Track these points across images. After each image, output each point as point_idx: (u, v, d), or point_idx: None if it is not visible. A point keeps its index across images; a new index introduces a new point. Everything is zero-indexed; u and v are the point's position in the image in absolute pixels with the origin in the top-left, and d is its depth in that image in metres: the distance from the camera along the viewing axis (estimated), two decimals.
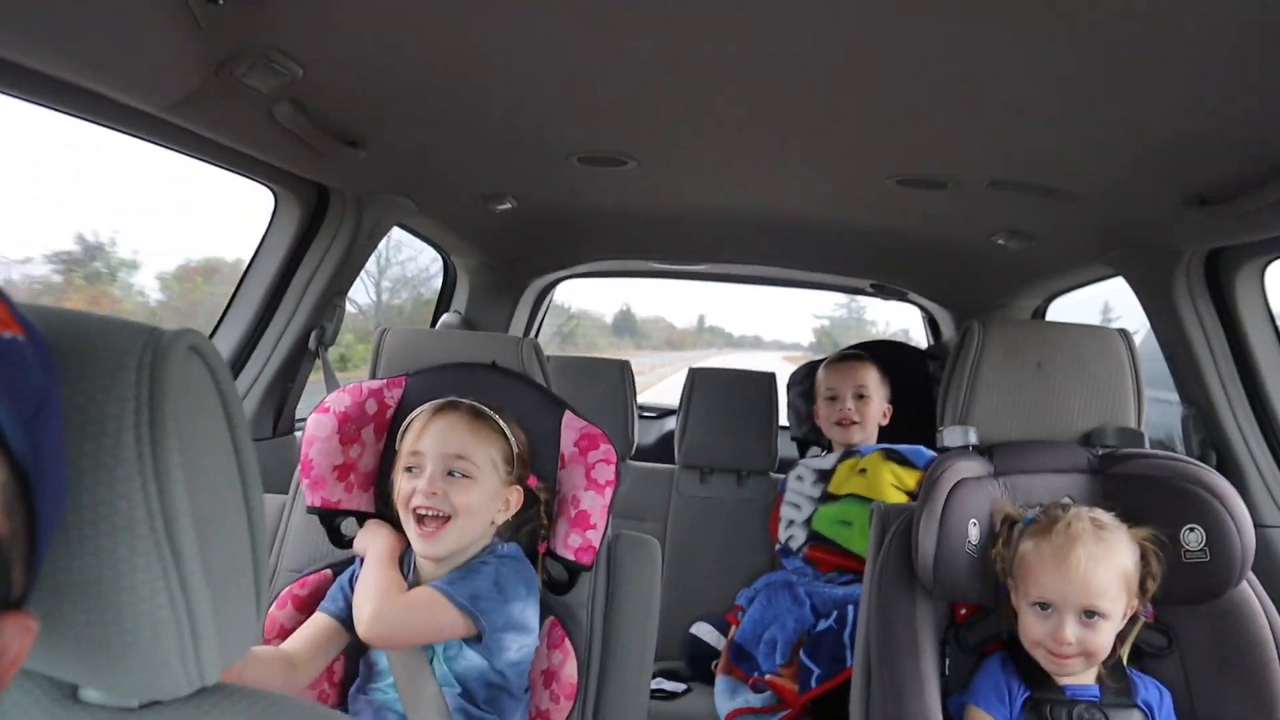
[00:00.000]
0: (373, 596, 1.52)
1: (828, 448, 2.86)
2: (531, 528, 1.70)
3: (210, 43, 1.29)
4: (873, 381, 2.72)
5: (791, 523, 2.69)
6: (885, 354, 2.85)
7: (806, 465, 2.73)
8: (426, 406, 1.63)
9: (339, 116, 1.65)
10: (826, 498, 2.63)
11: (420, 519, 1.54)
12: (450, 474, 1.55)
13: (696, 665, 2.75)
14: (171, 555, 0.63)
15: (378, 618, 1.49)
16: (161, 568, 0.63)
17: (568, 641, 1.68)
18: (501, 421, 1.63)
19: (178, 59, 1.29)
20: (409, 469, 1.57)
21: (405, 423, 1.64)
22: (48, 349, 0.57)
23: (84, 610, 0.63)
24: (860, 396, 2.69)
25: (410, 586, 1.59)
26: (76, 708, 0.70)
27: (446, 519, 1.54)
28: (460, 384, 1.77)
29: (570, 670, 1.67)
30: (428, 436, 1.57)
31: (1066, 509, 1.61)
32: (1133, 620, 1.62)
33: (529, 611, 1.59)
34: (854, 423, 2.68)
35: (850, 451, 2.67)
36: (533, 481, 1.69)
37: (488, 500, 1.58)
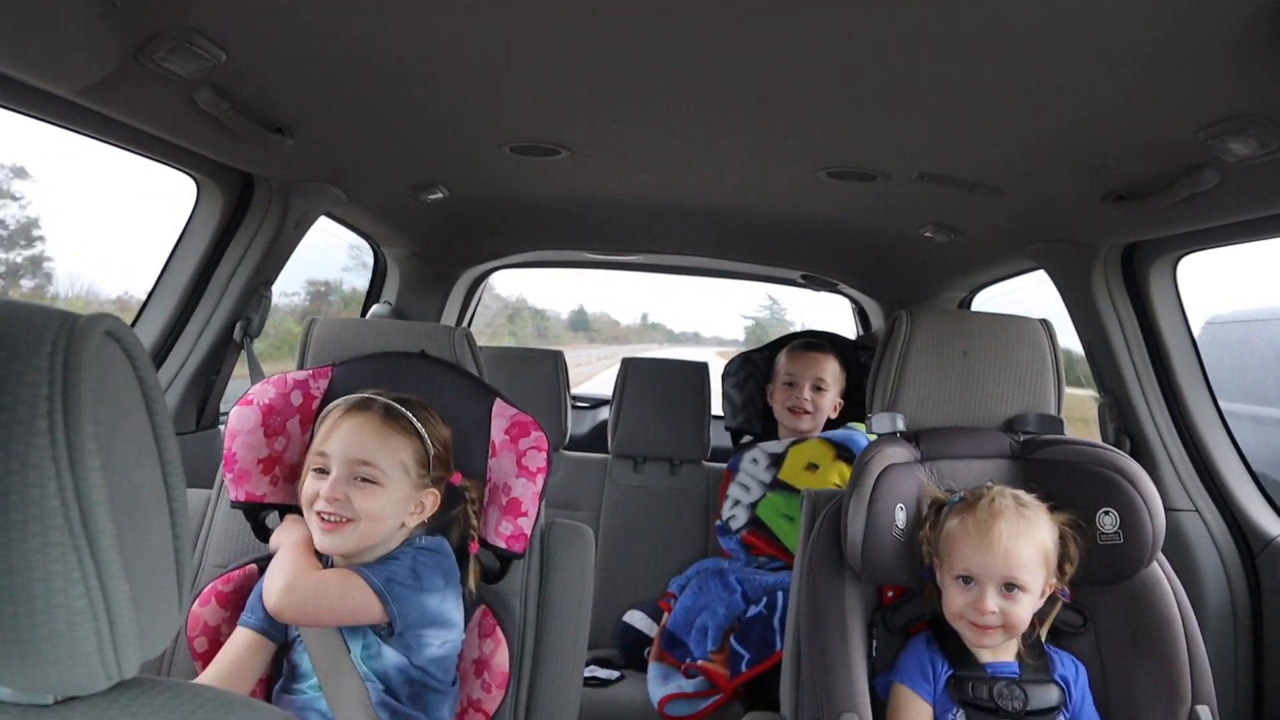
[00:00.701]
0: (285, 570, 1.50)
1: (761, 435, 2.89)
2: (460, 527, 1.68)
3: (127, 25, 1.25)
4: (832, 374, 2.75)
5: (737, 503, 2.71)
6: (834, 345, 2.89)
7: (762, 449, 2.75)
8: (341, 402, 1.60)
9: (264, 103, 1.62)
10: (776, 484, 2.66)
11: (322, 516, 1.51)
12: (356, 479, 1.52)
13: (630, 653, 2.76)
14: (88, 545, 0.61)
15: (289, 590, 1.47)
16: (77, 558, 0.61)
17: (499, 630, 1.68)
18: (417, 422, 1.59)
19: (93, 42, 1.25)
20: (316, 469, 1.54)
21: (322, 416, 1.61)
22: None
23: None
24: (818, 388, 2.72)
25: None
26: None
27: (348, 521, 1.51)
28: (388, 373, 1.75)
29: (502, 659, 1.67)
30: (335, 439, 1.54)
31: (990, 490, 1.67)
32: (1051, 600, 1.68)
33: (448, 605, 1.57)
34: (807, 412, 2.71)
35: (802, 437, 2.71)
36: (457, 478, 1.67)
37: (395, 505, 1.55)
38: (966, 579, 1.61)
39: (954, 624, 1.63)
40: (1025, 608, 1.58)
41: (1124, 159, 1.62)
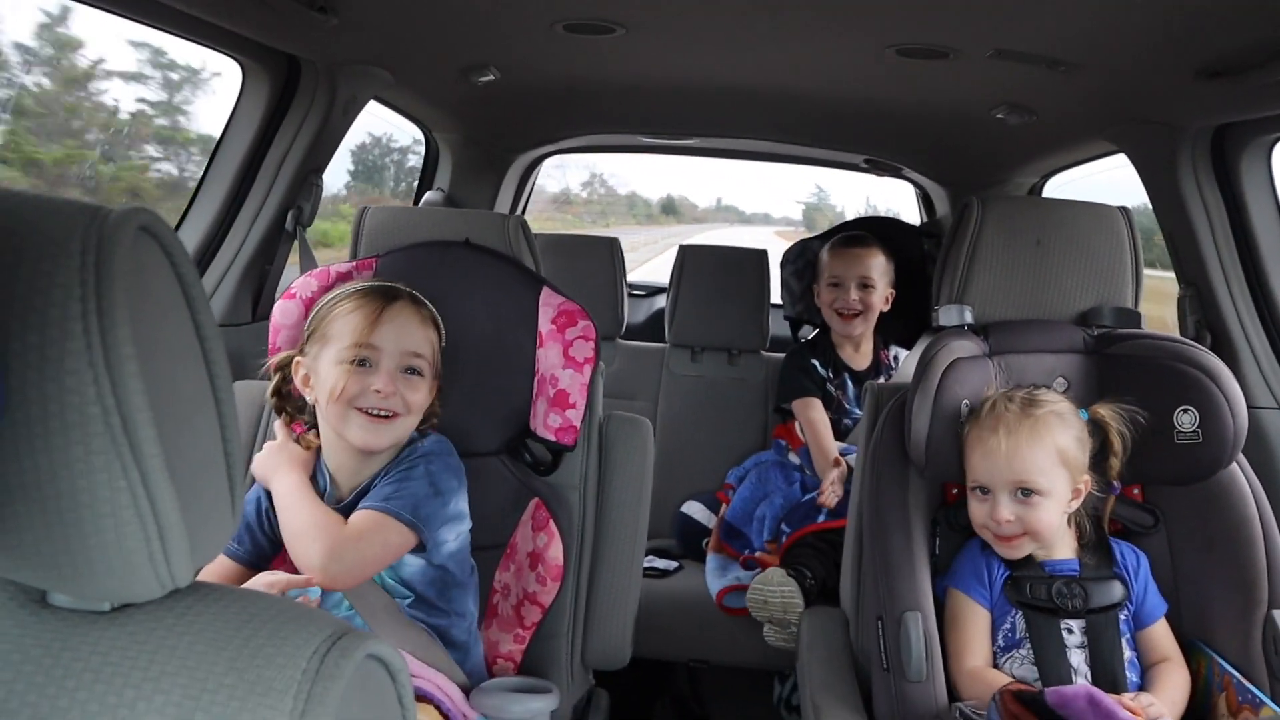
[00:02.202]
0: (317, 536, 1.39)
1: (821, 327, 2.83)
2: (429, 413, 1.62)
3: None
4: (878, 270, 2.65)
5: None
6: (885, 233, 2.79)
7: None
8: (359, 293, 1.52)
9: None
10: None
11: (366, 411, 1.46)
12: (405, 370, 1.49)
13: (687, 543, 2.77)
14: (130, 452, 0.59)
15: (333, 559, 1.37)
16: (121, 466, 0.59)
17: (553, 524, 1.68)
18: (435, 311, 1.58)
19: None
20: (358, 362, 1.46)
21: (329, 305, 1.53)
22: None
23: (41, 513, 0.60)
24: (865, 286, 2.63)
25: (331, 501, 1.51)
26: (46, 613, 0.68)
27: (395, 415, 1.48)
28: (433, 263, 1.72)
29: (556, 552, 1.67)
30: (384, 331, 1.47)
31: (993, 395, 1.62)
32: (1101, 494, 1.63)
33: (462, 502, 1.54)
34: (856, 314, 2.63)
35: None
36: None
37: (427, 396, 1.53)
38: (982, 490, 1.58)
39: (982, 535, 1.61)
40: (1046, 512, 1.54)
41: (1221, 31, 1.50)
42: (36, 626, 0.66)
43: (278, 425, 1.55)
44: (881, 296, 2.66)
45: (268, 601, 0.68)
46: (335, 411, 1.47)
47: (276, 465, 1.51)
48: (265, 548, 1.54)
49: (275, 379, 1.59)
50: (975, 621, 1.58)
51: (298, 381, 1.54)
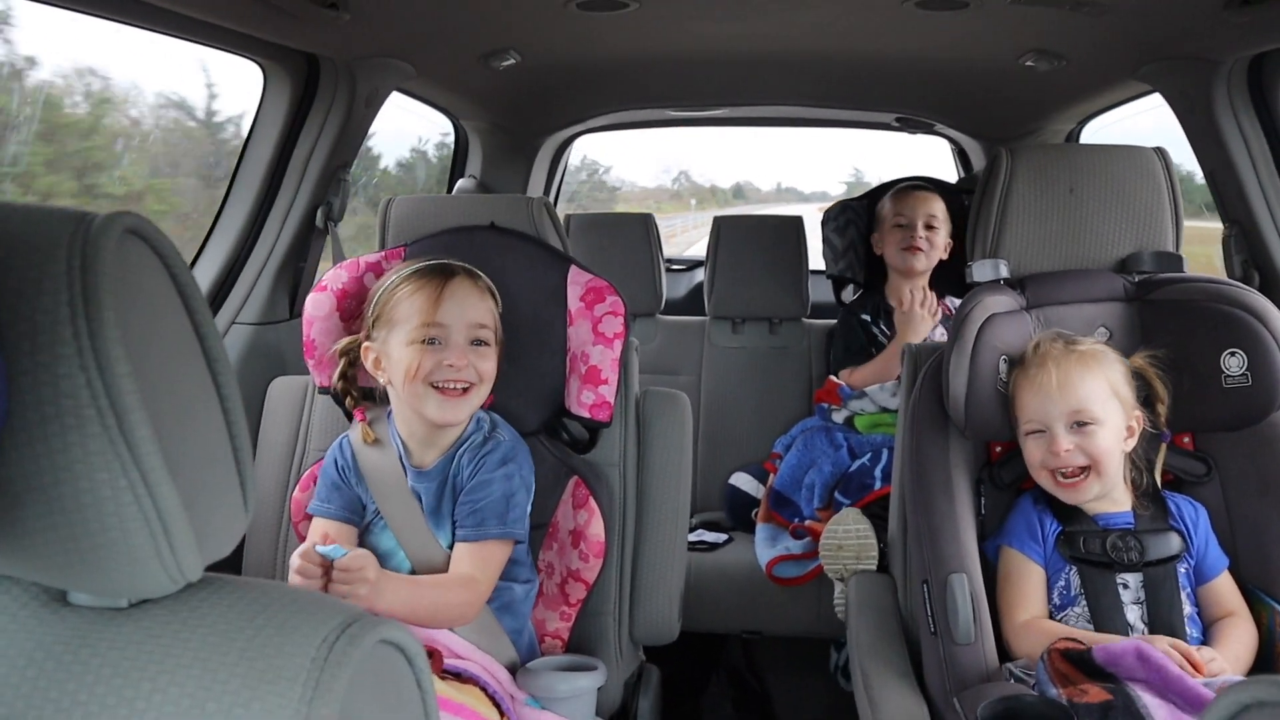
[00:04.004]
0: (442, 611, 1.46)
1: (865, 287, 2.79)
2: None
3: None
4: (940, 212, 2.64)
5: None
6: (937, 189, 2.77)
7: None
8: (416, 274, 1.56)
9: None
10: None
11: (440, 388, 1.51)
12: (474, 342, 1.53)
13: (737, 515, 2.77)
14: (129, 451, 0.60)
15: (463, 617, 1.49)
16: (120, 465, 0.60)
17: (593, 500, 1.69)
18: (489, 280, 1.61)
19: None
20: (428, 341, 1.51)
21: (388, 290, 1.56)
22: None
23: (49, 515, 0.61)
24: (930, 226, 2.62)
25: (410, 468, 1.57)
26: (66, 611, 0.69)
27: (469, 386, 1.52)
28: (460, 248, 1.73)
29: (597, 529, 1.68)
30: (447, 307, 1.52)
31: (1036, 337, 1.62)
32: (1153, 441, 1.59)
33: (534, 478, 1.62)
34: (921, 249, 2.61)
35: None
36: None
37: (495, 363, 1.57)
38: (1037, 430, 1.55)
39: (1043, 483, 1.57)
40: (1104, 440, 1.52)
41: None
42: (58, 625, 0.68)
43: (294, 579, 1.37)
44: (943, 241, 2.64)
45: (281, 592, 0.69)
46: (412, 390, 1.52)
47: (368, 596, 1.42)
48: (356, 501, 1.61)
49: (341, 362, 1.64)
50: (1029, 578, 1.55)
51: (368, 365, 1.58)
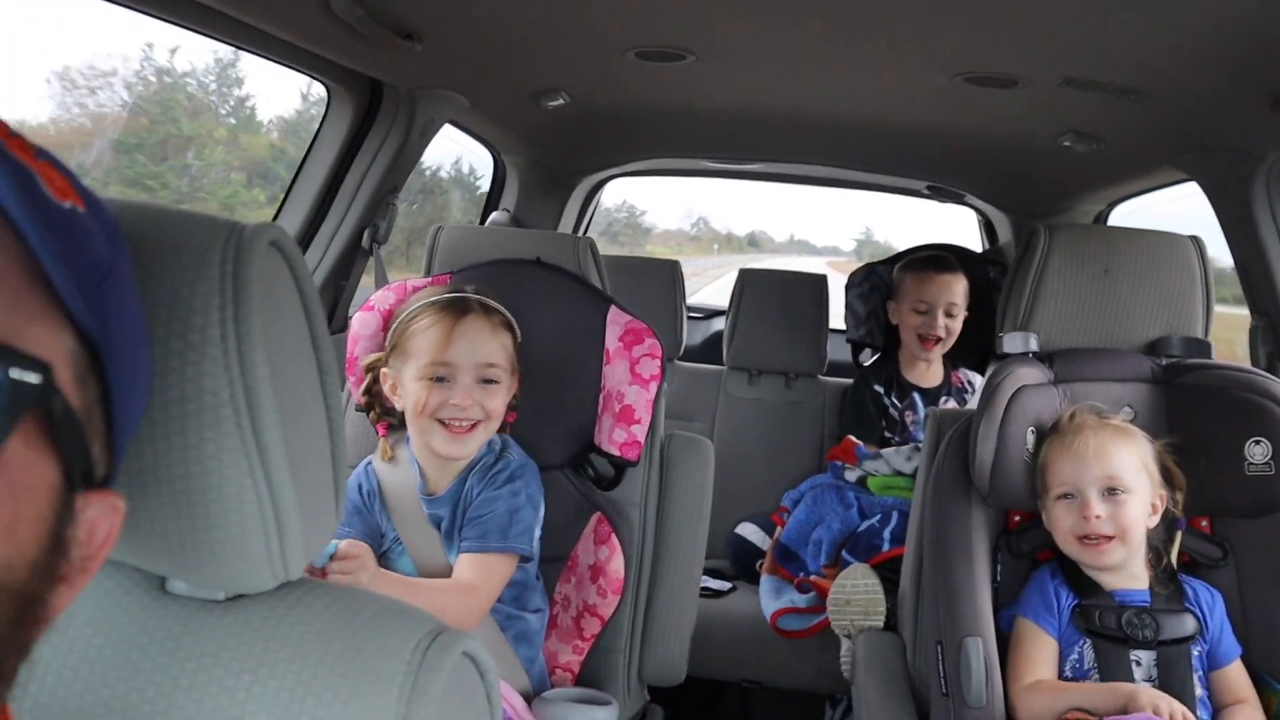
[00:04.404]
0: (463, 611, 1.48)
1: (883, 351, 2.83)
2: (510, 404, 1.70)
3: None
4: (961, 298, 2.66)
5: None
6: (960, 260, 2.80)
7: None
8: (434, 307, 1.57)
9: (396, 8, 1.61)
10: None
11: (447, 424, 1.53)
12: (481, 381, 1.54)
13: (741, 565, 2.78)
14: (257, 450, 0.63)
15: (464, 623, 1.47)
16: (248, 462, 0.63)
17: (614, 537, 1.71)
18: (508, 313, 1.62)
19: None
20: (437, 379, 1.53)
21: (406, 320, 1.59)
22: (112, 222, 0.56)
23: (171, 502, 0.64)
24: (949, 315, 2.64)
25: (423, 493, 1.60)
26: (165, 598, 0.72)
27: (476, 423, 1.54)
28: (505, 280, 1.77)
29: (617, 566, 1.70)
30: (457, 346, 1.53)
31: (1072, 408, 1.65)
32: (1172, 526, 1.62)
33: (543, 501, 1.63)
34: (940, 340, 2.64)
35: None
36: None
37: (506, 399, 1.59)
38: (1068, 495, 1.58)
39: (1068, 549, 1.60)
40: (1134, 510, 1.55)
41: None
42: (158, 611, 0.71)
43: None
44: (960, 323, 2.67)
45: (371, 598, 0.72)
46: (420, 424, 1.55)
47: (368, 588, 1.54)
48: (377, 526, 1.64)
49: (367, 378, 1.66)
50: (1041, 647, 1.57)
51: (386, 390, 1.61)
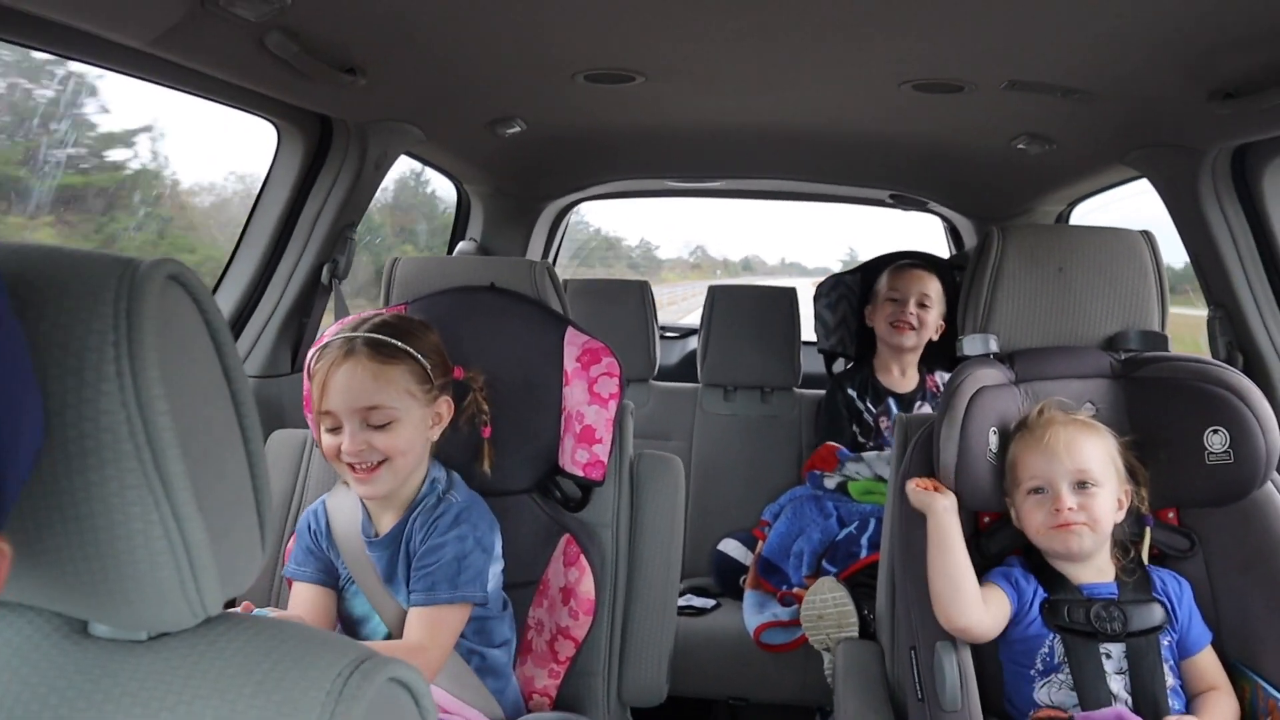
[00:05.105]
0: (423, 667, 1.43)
1: (855, 360, 2.84)
2: (469, 414, 1.67)
3: None
4: (935, 292, 2.71)
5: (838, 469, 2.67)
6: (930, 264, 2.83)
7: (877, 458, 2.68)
8: (326, 349, 1.51)
9: (334, 43, 1.62)
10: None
11: (353, 466, 1.49)
12: (369, 424, 1.48)
13: (725, 581, 2.78)
14: (162, 486, 0.63)
15: (427, 674, 1.44)
16: (153, 499, 0.63)
17: (584, 559, 1.70)
18: (402, 343, 1.52)
19: None
20: (328, 429, 1.49)
21: (308, 364, 1.55)
22: None
23: (80, 543, 0.63)
24: (922, 305, 2.68)
25: (368, 536, 1.57)
26: (87, 642, 0.71)
27: (380, 463, 1.49)
28: (460, 308, 1.77)
29: (588, 587, 1.70)
30: (332, 394, 1.47)
31: (1040, 403, 1.66)
32: (1139, 522, 1.63)
33: (499, 545, 1.60)
34: (911, 327, 2.66)
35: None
36: (459, 373, 1.65)
37: (416, 431, 1.53)
38: (1038, 489, 1.58)
39: (1039, 541, 1.60)
40: (1103, 503, 1.56)
41: (1233, 53, 1.51)
42: (79, 655, 0.70)
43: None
44: (935, 319, 2.70)
45: (295, 629, 0.71)
46: (335, 466, 1.54)
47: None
48: (330, 566, 1.61)
49: None
50: (994, 602, 1.57)
51: None
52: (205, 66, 1.56)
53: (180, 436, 0.63)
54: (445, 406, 1.59)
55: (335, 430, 1.49)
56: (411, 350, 1.53)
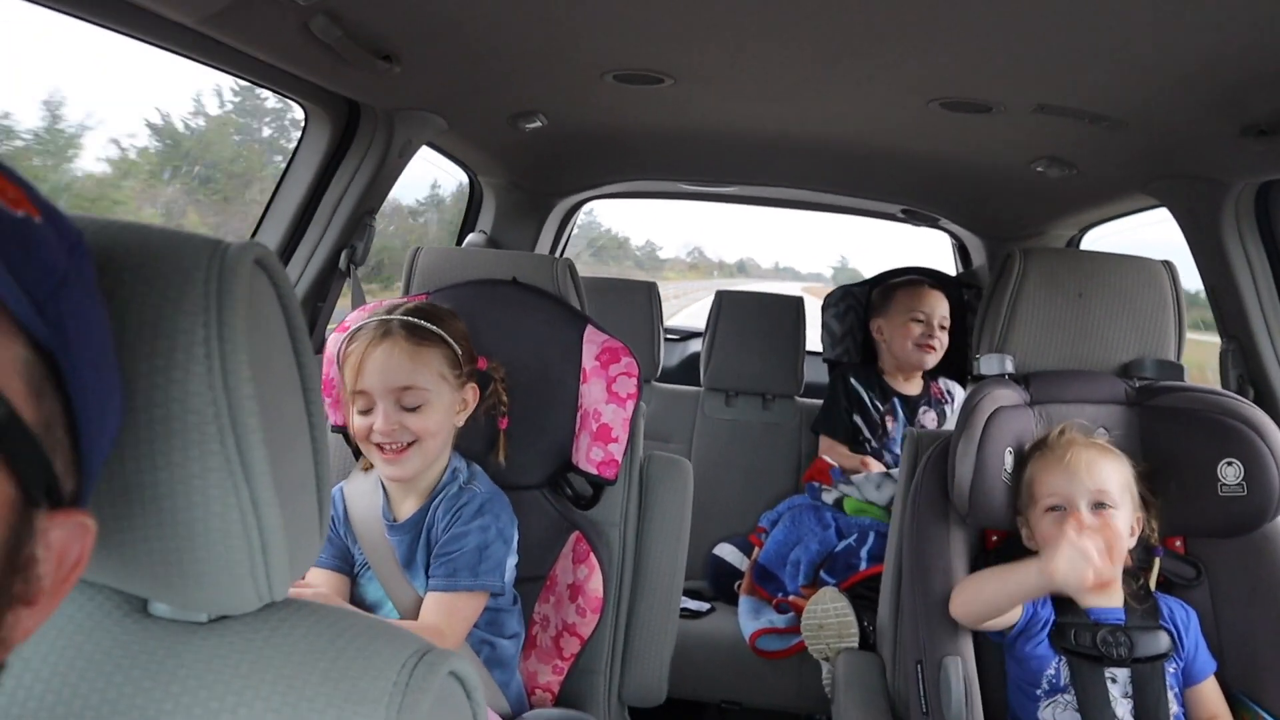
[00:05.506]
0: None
1: (865, 375, 2.84)
2: (490, 404, 1.69)
3: None
4: (948, 313, 2.75)
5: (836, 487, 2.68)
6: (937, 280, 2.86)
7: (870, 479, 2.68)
8: (359, 332, 1.54)
9: (375, 29, 1.62)
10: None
11: (382, 447, 1.51)
12: (402, 405, 1.50)
13: (719, 585, 2.78)
14: (242, 469, 0.63)
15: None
16: (232, 482, 0.63)
17: (593, 556, 1.71)
18: (436, 328, 1.55)
19: None
20: (360, 409, 1.51)
21: (343, 345, 1.56)
22: (75, 234, 0.55)
23: (155, 523, 0.63)
24: (943, 327, 2.72)
25: (388, 520, 1.58)
26: (146, 621, 0.71)
27: (409, 444, 1.51)
28: (481, 300, 1.77)
29: (596, 585, 1.70)
30: (369, 371, 1.49)
31: (1060, 424, 1.68)
32: (1148, 551, 1.65)
33: (515, 533, 1.61)
34: (935, 349, 2.70)
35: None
36: (482, 363, 1.67)
37: (445, 415, 1.55)
38: (1057, 508, 1.59)
39: None
40: (1120, 525, 1.57)
41: (1267, 89, 1.52)
42: (140, 634, 0.70)
43: None
44: (948, 338, 2.73)
45: (356, 618, 0.72)
46: (362, 447, 1.55)
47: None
48: (346, 551, 1.62)
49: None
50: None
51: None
52: (249, 47, 1.56)
53: (261, 421, 0.63)
54: (471, 393, 1.61)
55: (367, 411, 1.51)
56: (445, 335, 1.55)
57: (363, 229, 2.23)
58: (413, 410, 1.50)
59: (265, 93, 1.96)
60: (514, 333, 1.77)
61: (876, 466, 2.62)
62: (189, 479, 0.62)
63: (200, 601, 0.69)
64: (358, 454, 1.70)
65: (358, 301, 2.23)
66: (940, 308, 2.72)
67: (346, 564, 1.61)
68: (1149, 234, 2.60)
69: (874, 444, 2.71)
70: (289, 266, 2.14)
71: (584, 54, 1.85)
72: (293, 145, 2.13)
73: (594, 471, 1.74)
